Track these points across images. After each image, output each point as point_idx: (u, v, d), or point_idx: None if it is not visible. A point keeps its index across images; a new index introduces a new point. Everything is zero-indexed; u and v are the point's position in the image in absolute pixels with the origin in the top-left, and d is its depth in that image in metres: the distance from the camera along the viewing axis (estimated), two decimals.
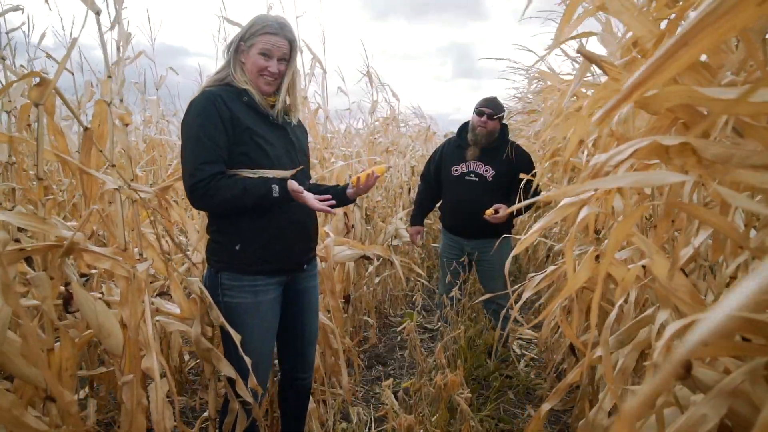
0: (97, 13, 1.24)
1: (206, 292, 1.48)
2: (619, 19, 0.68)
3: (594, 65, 0.80)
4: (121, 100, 1.55)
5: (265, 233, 1.48)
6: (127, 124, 1.55)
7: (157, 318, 1.51)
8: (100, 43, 1.27)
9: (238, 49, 1.48)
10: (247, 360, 1.40)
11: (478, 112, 2.57)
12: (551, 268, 1.48)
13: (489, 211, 2.44)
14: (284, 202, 1.43)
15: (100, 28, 1.27)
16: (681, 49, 0.36)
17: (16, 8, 1.33)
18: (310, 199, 1.42)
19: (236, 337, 1.41)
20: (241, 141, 1.42)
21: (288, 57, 1.50)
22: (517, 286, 1.62)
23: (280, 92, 1.52)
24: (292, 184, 1.42)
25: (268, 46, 1.45)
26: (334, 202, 1.49)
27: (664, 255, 0.61)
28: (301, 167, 1.53)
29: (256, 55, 1.45)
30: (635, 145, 0.52)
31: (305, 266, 1.62)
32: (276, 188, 1.40)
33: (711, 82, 0.61)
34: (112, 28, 1.37)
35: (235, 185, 1.37)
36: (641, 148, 0.51)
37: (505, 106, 2.71)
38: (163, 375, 1.27)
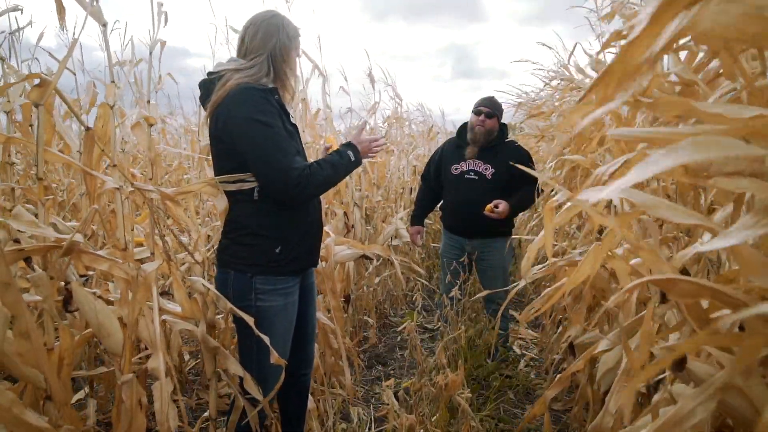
0: (104, 25, 1.24)
1: (213, 289, 1.47)
2: None
3: None
4: (148, 102, 1.57)
5: (300, 233, 1.49)
6: (151, 125, 1.56)
7: (161, 317, 1.51)
8: (105, 51, 1.28)
9: (282, 50, 1.46)
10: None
11: (476, 111, 2.60)
12: (550, 260, 1.48)
13: (489, 207, 2.44)
14: (359, 164, 1.53)
15: (106, 38, 1.28)
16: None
17: (15, 8, 1.34)
18: (372, 139, 1.55)
19: (266, 339, 1.39)
20: None
21: None
22: (514, 285, 1.62)
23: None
24: (355, 138, 1.54)
25: (300, 50, 1.54)
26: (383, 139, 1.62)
27: (655, 252, 0.64)
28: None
29: (296, 57, 1.53)
30: (626, 157, 0.56)
31: (318, 262, 1.67)
32: (351, 154, 1.49)
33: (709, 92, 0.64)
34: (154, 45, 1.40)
35: (322, 167, 1.42)
36: (632, 159, 0.55)
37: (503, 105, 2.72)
38: (165, 375, 1.27)
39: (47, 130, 1.31)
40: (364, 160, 1.63)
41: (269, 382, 1.50)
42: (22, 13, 1.57)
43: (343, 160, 1.47)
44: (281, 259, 1.45)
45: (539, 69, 3.06)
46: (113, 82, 1.40)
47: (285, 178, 1.35)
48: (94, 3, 1.19)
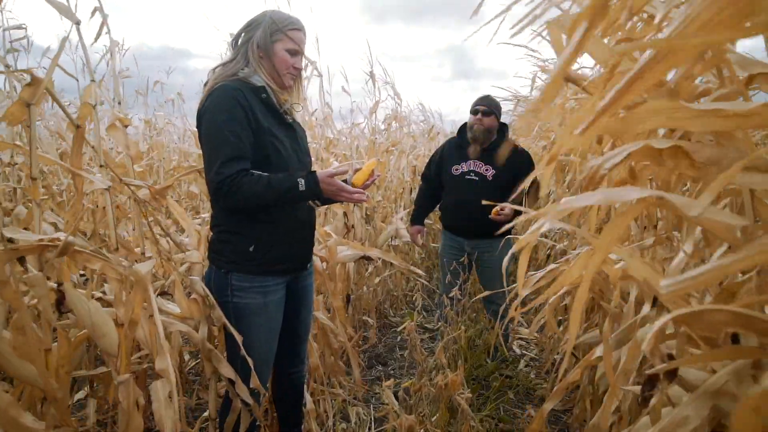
0: (77, 23, 1.24)
1: (209, 293, 1.48)
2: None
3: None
4: (119, 103, 1.56)
5: (278, 234, 1.47)
6: (126, 126, 1.56)
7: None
8: (83, 50, 1.28)
9: (258, 43, 1.44)
10: (249, 360, 1.40)
11: (473, 110, 2.61)
12: (551, 266, 1.47)
13: (495, 210, 2.43)
14: (311, 197, 1.40)
15: (81, 38, 1.28)
16: (637, 81, 0.39)
17: (20, 27, 1.35)
18: (344, 189, 1.40)
19: (239, 338, 1.40)
20: (262, 144, 1.40)
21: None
22: (514, 285, 1.61)
23: (293, 88, 1.53)
24: (323, 175, 1.39)
25: (296, 44, 1.45)
26: (366, 193, 1.48)
27: (639, 257, 0.62)
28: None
29: (283, 51, 1.44)
30: (628, 149, 0.53)
31: (308, 265, 1.65)
32: (302, 182, 1.36)
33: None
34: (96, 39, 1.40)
35: (258, 181, 1.34)
36: (635, 152, 0.52)
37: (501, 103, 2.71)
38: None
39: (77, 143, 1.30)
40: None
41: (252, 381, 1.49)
42: (26, 32, 1.58)
43: (286, 184, 1.36)
44: (255, 258, 1.44)
45: (532, 55, 3.04)
46: (93, 81, 1.39)
47: (209, 180, 1.35)
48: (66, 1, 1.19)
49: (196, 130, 1.51)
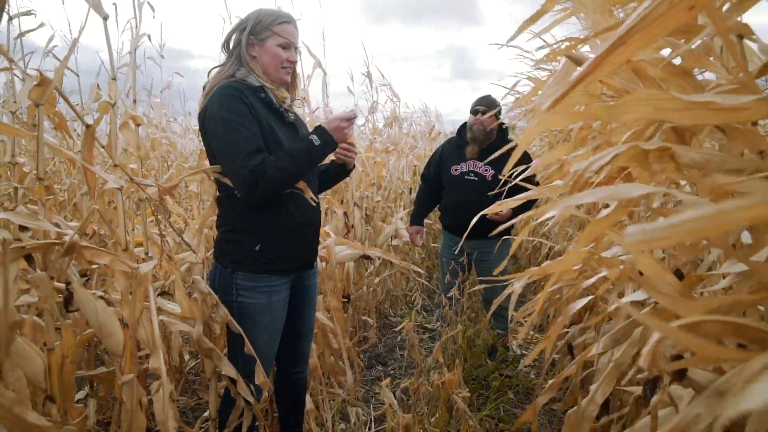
0: (105, 18, 1.23)
1: (212, 293, 1.48)
2: (584, 14, 0.70)
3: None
4: (134, 101, 1.56)
5: (283, 233, 1.47)
6: (138, 125, 1.56)
7: (159, 317, 1.51)
8: (107, 46, 1.27)
9: (248, 43, 1.44)
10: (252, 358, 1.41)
11: (473, 111, 2.62)
12: (546, 263, 1.47)
13: (493, 211, 2.43)
14: (328, 147, 1.44)
15: (107, 32, 1.26)
16: (618, 48, 0.39)
17: (28, 13, 1.33)
18: (340, 117, 1.46)
19: (244, 337, 1.41)
20: (265, 143, 1.40)
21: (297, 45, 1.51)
22: (511, 277, 1.62)
23: (291, 84, 1.56)
24: (325, 121, 1.46)
25: (287, 38, 1.45)
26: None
27: (648, 252, 0.62)
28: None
29: (275, 47, 1.44)
30: (615, 150, 0.53)
31: (313, 264, 1.66)
32: (314, 137, 1.42)
33: (694, 88, 0.62)
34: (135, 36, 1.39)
35: (278, 158, 1.36)
36: (621, 153, 0.52)
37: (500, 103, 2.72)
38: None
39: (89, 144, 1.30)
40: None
41: (253, 380, 1.49)
42: (35, 17, 1.56)
43: (302, 146, 1.41)
44: (262, 257, 1.45)
45: (524, 56, 3.05)
46: (114, 78, 1.39)
47: (237, 178, 1.36)
48: None
49: (196, 130, 1.52)
